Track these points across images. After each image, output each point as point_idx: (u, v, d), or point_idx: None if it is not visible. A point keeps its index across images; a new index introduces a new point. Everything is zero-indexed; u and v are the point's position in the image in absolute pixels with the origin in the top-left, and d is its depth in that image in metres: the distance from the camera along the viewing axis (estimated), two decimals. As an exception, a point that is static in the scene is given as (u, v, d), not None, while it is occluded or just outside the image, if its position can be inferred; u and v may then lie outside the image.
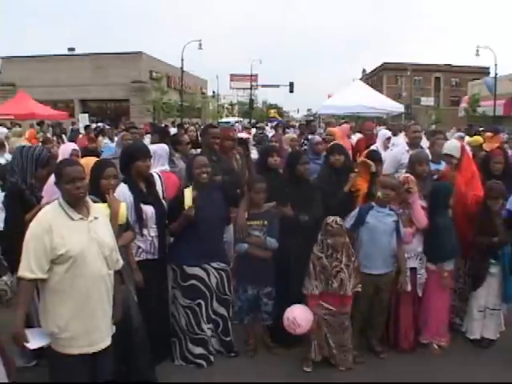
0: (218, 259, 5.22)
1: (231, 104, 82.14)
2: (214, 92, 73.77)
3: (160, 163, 5.96)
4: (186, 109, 46.52)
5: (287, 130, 16.62)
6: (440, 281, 5.50)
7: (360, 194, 5.83)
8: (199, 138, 10.01)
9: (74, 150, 6.37)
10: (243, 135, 10.78)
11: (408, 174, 5.62)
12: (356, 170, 6.22)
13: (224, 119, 50.58)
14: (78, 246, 3.49)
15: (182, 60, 44.18)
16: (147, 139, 10.68)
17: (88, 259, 3.52)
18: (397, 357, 5.46)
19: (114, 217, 4.23)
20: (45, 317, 3.55)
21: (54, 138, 14.73)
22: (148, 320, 4.68)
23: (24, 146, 5.17)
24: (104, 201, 4.26)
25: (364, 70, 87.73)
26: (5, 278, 3.44)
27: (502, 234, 5.45)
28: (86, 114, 26.39)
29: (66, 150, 6.41)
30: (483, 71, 59.31)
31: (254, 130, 17.43)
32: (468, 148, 7.66)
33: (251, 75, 60.51)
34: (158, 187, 5.33)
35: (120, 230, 4.35)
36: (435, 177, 6.14)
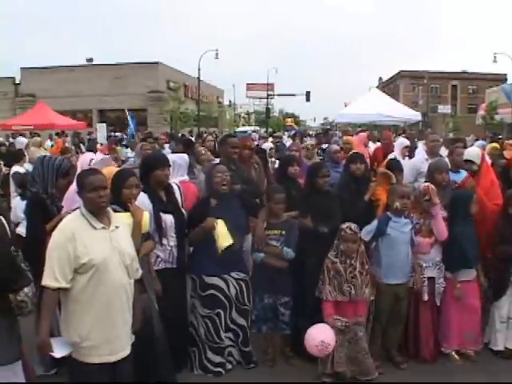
0: (238, 269, 5.21)
1: (248, 113, 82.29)
2: (230, 101, 74.04)
3: (179, 173, 5.96)
4: (202, 118, 46.67)
5: (305, 139, 16.54)
6: (460, 290, 5.44)
7: (380, 204, 5.78)
8: (217, 148, 10.00)
9: (92, 159, 6.41)
10: (267, 145, 10.72)
11: (428, 183, 5.57)
12: (374, 179, 6.18)
13: (241, 128, 50.64)
14: (101, 254, 3.51)
15: (199, 70, 44.38)
16: (167, 149, 10.73)
17: (110, 268, 3.54)
18: (418, 367, 5.38)
19: (137, 226, 4.26)
20: (67, 326, 3.56)
21: (73, 148, 14.86)
22: (167, 329, 4.68)
23: (45, 156, 5.23)
24: (126, 210, 4.28)
25: (380, 78, 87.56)
26: (26, 289, 3.45)
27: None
28: (104, 124, 26.61)
29: (84, 160, 6.47)
30: (501, 78, 58.86)
31: (270, 139, 17.39)
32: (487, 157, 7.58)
33: (267, 84, 60.59)
34: (177, 197, 5.34)
35: (141, 239, 4.37)
36: (455, 185, 6.09)
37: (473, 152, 6.39)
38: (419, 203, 5.49)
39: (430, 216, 5.45)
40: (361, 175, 6.03)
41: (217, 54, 46.04)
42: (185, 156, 6.33)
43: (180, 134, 24.24)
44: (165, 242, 4.96)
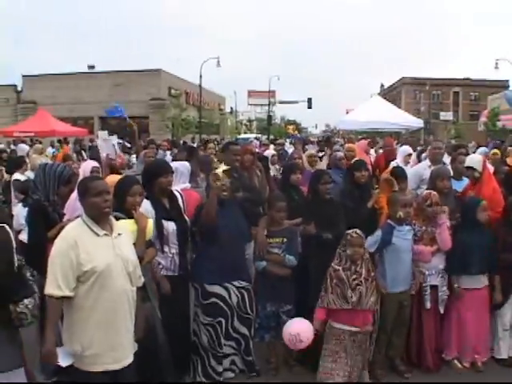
0: (240, 277, 5.19)
1: (249, 120, 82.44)
2: (231, 108, 74.14)
3: (181, 181, 5.95)
4: (204, 125, 46.74)
5: (306, 147, 16.55)
6: (465, 299, 5.45)
7: (383, 212, 5.77)
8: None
9: (95, 167, 6.42)
10: (269, 152, 10.66)
11: (430, 190, 5.57)
12: (377, 186, 6.18)
13: (242, 135, 50.71)
14: (104, 261, 3.51)
15: (201, 77, 44.52)
16: (168, 156, 10.74)
17: (113, 275, 3.54)
18: (421, 376, 5.36)
19: (141, 233, 4.26)
20: (69, 335, 3.55)
21: (74, 155, 14.89)
22: (169, 337, 4.66)
23: (47, 164, 5.24)
24: (129, 217, 4.28)
25: (382, 85, 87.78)
26: (26, 301, 3.42)
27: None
28: (106, 131, 26.61)
29: (86, 167, 6.48)
30: (503, 85, 58.91)
31: (272, 147, 17.39)
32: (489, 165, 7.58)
33: (269, 91, 60.77)
34: (180, 205, 5.33)
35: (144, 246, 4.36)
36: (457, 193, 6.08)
37: (474, 159, 6.38)
38: (422, 210, 5.49)
39: (434, 224, 5.44)
40: (364, 183, 6.03)
41: (218, 62, 46.18)
42: (187, 164, 6.33)
43: (182, 142, 24.24)
44: (166, 249, 4.95)
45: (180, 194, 5.50)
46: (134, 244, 4.05)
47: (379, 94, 55.85)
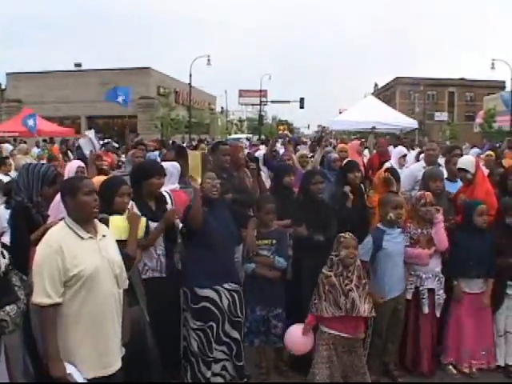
0: (230, 280, 5.16)
1: (240, 120, 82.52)
2: (222, 108, 74.21)
3: (171, 181, 5.93)
4: (194, 125, 46.72)
5: (298, 147, 16.57)
6: (463, 303, 5.50)
7: (376, 212, 5.77)
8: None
9: (80, 167, 6.38)
10: (261, 153, 10.56)
11: (424, 191, 5.59)
12: (370, 187, 6.18)
13: (233, 135, 50.73)
14: (91, 265, 3.48)
15: (191, 75, 44.49)
16: (153, 157, 10.68)
17: (100, 279, 3.51)
18: (415, 381, 5.37)
19: (133, 232, 4.27)
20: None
21: (60, 156, 14.79)
22: (158, 340, 4.65)
23: (30, 164, 5.20)
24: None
25: (376, 85, 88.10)
26: (8, 308, 3.38)
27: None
28: (92, 131, 26.50)
29: (71, 167, 6.45)
30: (499, 85, 59.28)
31: (262, 147, 17.39)
32: (483, 167, 7.61)
33: (260, 91, 60.79)
34: (169, 206, 5.33)
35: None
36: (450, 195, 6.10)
37: (466, 160, 6.36)
38: (416, 211, 5.50)
39: (429, 225, 5.45)
40: (357, 184, 6.05)
41: (209, 60, 46.21)
42: (176, 164, 6.32)
43: (171, 142, 24.18)
44: (152, 249, 4.94)
45: (169, 195, 5.50)
46: (126, 241, 4.08)
47: (373, 93, 56.21)
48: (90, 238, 3.58)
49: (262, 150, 12.60)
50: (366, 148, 12.53)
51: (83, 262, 3.45)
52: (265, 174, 8.11)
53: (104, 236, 3.68)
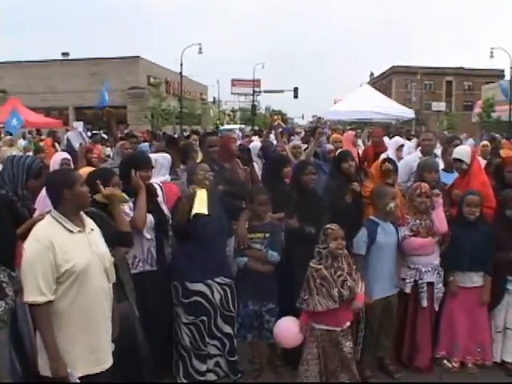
0: (222, 274, 5.17)
1: (233, 110, 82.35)
2: (214, 98, 74.03)
3: (161, 173, 5.93)
4: (185, 115, 46.63)
5: (292, 138, 16.54)
6: (461, 297, 5.52)
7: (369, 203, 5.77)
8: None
9: (65, 159, 6.35)
10: (256, 144, 10.43)
11: (420, 182, 5.60)
12: (366, 177, 6.18)
13: (226, 126, 50.64)
14: (83, 260, 3.47)
15: (181, 65, 44.37)
16: (144, 148, 10.67)
17: (91, 273, 3.51)
18: (412, 377, 5.39)
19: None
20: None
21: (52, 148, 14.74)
22: (149, 336, 4.65)
23: (15, 156, 5.15)
24: (104, 211, 4.27)
25: (372, 74, 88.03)
26: None
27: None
28: (81, 122, 26.46)
29: (55, 159, 6.43)
30: (498, 74, 59.44)
31: (256, 138, 17.35)
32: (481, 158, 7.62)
33: (253, 80, 60.70)
34: (160, 198, 5.32)
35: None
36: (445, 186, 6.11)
37: (462, 150, 6.32)
38: (412, 202, 5.50)
39: (426, 215, 5.45)
40: (353, 173, 6.05)
41: (200, 49, 46.07)
42: (167, 155, 6.30)
43: (162, 133, 24.16)
44: (143, 241, 4.95)
45: (160, 187, 5.49)
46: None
47: (369, 83, 56.07)
48: (80, 231, 3.57)
49: (255, 141, 12.53)
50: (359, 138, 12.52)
51: (74, 256, 3.43)
52: (258, 165, 8.11)
53: (92, 230, 3.68)
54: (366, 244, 5.22)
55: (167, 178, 6.05)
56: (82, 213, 3.70)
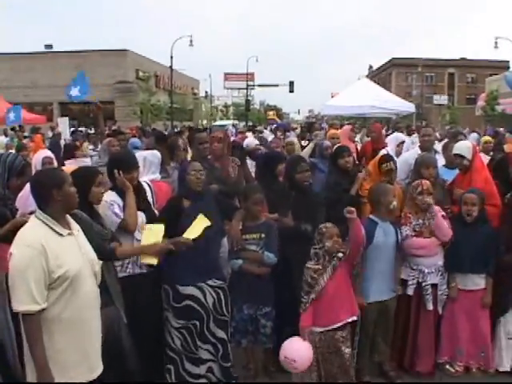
0: (214, 276, 5.16)
1: (226, 105, 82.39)
2: (206, 92, 74.06)
3: (151, 171, 5.95)
4: (176, 111, 46.60)
5: (287, 134, 16.57)
6: (458, 300, 5.52)
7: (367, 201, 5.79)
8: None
9: (47, 157, 6.32)
10: (251, 141, 10.34)
11: (421, 179, 5.59)
12: (364, 172, 6.19)
13: (218, 122, 50.64)
14: (75, 264, 3.45)
15: (172, 58, 44.30)
16: (136, 143, 10.63)
17: (83, 278, 3.50)
18: (412, 381, 5.41)
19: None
20: None
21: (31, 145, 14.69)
22: (138, 344, 4.63)
23: (-5, 154, 5.14)
24: (90, 212, 4.25)
25: (371, 67, 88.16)
26: None
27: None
28: (66, 118, 26.38)
29: (37, 158, 6.39)
30: (502, 65, 59.45)
31: (250, 134, 17.36)
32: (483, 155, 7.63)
33: (247, 74, 60.71)
34: (149, 198, 5.33)
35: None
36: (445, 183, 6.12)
37: (462, 146, 6.31)
38: (413, 200, 5.50)
39: (429, 214, 5.45)
40: (350, 169, 6.05)
41: (191, 41, 46.03)
42: (156, 153, 6.29)
43: (152, 129, 24.14)
44: (134, 242, 4.93)
45: (149, 186, 5.50)
46: None
47: (367, 76, 56.14)
48: (69, 234, 3.55)
49: (249, 138, 12.53)
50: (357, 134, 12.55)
51: (67, 261, 3.40)
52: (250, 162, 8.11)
53: (79, 231, 3.68)
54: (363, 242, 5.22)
55: (157, 176, 6.05)
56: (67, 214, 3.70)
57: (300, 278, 5.00)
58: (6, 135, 20.97)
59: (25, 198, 4.89)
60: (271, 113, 66.75)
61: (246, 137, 13.95)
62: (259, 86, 63.40)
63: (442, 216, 5.46)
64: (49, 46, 51.15)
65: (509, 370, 5.56)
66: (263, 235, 5.24)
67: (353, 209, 4.84)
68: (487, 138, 10.45)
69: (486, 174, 6.11)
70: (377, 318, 5.33)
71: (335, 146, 7.25)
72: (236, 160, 6.78)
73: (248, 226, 5.30)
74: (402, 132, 11.29)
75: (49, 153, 6.70)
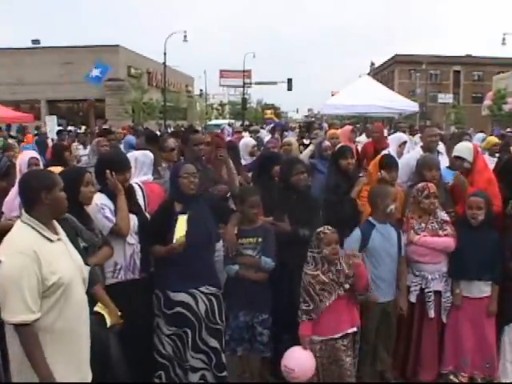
0: (208, 282, 5.13)
1: (221, 104, 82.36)
2: (201, 90, 74.08)
3: (142, 172, 5.94)
4: (169, 110, 46.59)
5: (285, 134, 16.58)
6: (463, 308, 5.51)
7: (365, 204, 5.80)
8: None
9: (33, 158, 6.30)
10: (248, 141, 10.29)
11: (426, 182, 5.60)
12: (363, 175, 6.20)
13: (213, 121, 50.63)
14: (68, 272, 3.44)
15: (165, 54, 44.31)
16: (130, 141, 10.65)
17: (74, 286, 3.48)
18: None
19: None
20: (20, 365, 3.37)
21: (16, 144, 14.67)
22: (129, 353, 4.60)
23: (-22, 154, 5.14)
24: (78, 214, 4.26)
25: (372, 64, 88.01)
26: None
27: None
28: (54, 117, 26.42)
29: (22, 159, 6.27)
30: (511, 63, 59.46)
31: (246, 134, 17.37)
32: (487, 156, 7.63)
33: (244, 71, 60.75)
34: (140, 200, 5.33)
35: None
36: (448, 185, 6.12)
37: (463, 147, 6.32)
38: (417, 204, 5.51)
39: (432, 218, 5.47)
40: (352, 171, 6.05)
41: (185, 37, 46.08)
42: (148, 153, 6.27)
43: (144, 128, 24.15)
44: (125, 246, 4.95)
45: (141, 188, 5.49)
46: None
47: (369, 73, 56.23)
48: (58, 239, 3.53)
49: (246, 138, 12.54)
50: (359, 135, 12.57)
51: (59, 268, 3.38)
52: (244, 161, 8.13)
53: (65, 236, 3.66)
54: (357, 243, 5.25)
55: (149, 177, 6.05)
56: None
57: (298, 283, 5.01)
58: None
59: (11, 200, 4.89)
60: (269, 112, 66.71)
61: (243, 137, 13.98)
62: (256, 83, 63.50)
63: (445, 222, 5.48)
64: (36, 42, 51.11)
65: None
66: (260, 239, 5.25)
67: (358, 254, 4.95)
68: (495, 139, 10.40)
69: (488, 175, 6.11)
70: (379, 324, 5.35)
71: (337, 146, 7.24)
72: (221, 155, 6.77)
73: (244, 230, 5.30)
74: (404, 132, 11.25)
75: (35, 153, 6.63)
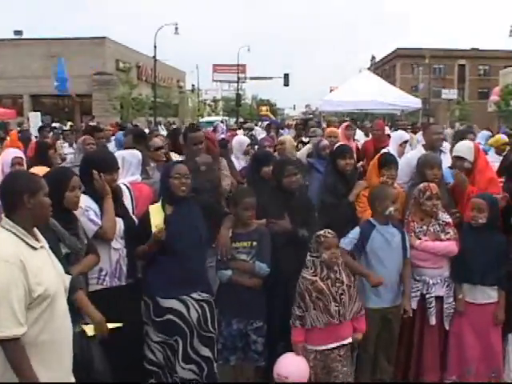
0: (199, 288, 5.12)
1: (214, 100, 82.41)
2: (193, 86, 74.03)
3: (130, 172, 5.94)
4: (160, 106, 46.53)
5: (281, 131, 16.58)
6: (466, 314, 5.50)
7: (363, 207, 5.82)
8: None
9: (17, 157, 6.27)
10: (242, 139, 10.31)
11: (428, 183, 5.60)
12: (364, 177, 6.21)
13: (206, 118, 50.56)
14: (53, 282, 3.41)
15: (155, 47, 44.27)
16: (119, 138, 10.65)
17: (58, 297, 3.45)
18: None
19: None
20: (9, 377, 3.28)
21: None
22: (115, 364, 4.58)
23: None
24: (65, 218, 4.26)
25: (373, 58, 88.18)
26: None
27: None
28: (38, 113, 26.31)
29: (5, 158, 6.30)
30: (518, 56, 59.57)
31: (241, 132, 17.37)
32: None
33: (238, 65, 60.76)
34: (127, 202, 5.33)
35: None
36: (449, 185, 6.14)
37: (463, 147, 6.31)
38: (419, 205, 5.52)
39: (434, 220, 5.49)
40: (351, 172, 6.07)
41: (176, 29, 46.01)
42: (136, 152, 6.27)
43: (134, 125, 24.09)
44: (111, 251, 4.94)
45: (128, 189, 5.49)
46: None
47: (369, 68, 56.38)
48: (41, 247, 3.49)
49: (240, 135, 12.54)
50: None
51: (44, 279, 3.33)
52: (240, 162, 8.15)
53: (45, 244, 3.61)
54: (353, 241, 5.28)
55: (137, 177, 6.04)
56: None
57: (294, 288, 5.02)
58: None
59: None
60: (264, 108, 66.71)
61: (237, 134, 13.98)
62: (251, 78, 63.57)
63: (447, 224, 5.49)
64: (18, 33, 50.98)
65: None
66: (255, 243, 5.25)
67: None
68: (505, 139, 10.31)
69: (490, 175, 6.15)
70: (379, 331, 5.36)
71: (336, 145, 7.24)
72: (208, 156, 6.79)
73: (238, 234, 5.30)
74: (405, 130, 11.26)
75: (19, 152, 6.59)
